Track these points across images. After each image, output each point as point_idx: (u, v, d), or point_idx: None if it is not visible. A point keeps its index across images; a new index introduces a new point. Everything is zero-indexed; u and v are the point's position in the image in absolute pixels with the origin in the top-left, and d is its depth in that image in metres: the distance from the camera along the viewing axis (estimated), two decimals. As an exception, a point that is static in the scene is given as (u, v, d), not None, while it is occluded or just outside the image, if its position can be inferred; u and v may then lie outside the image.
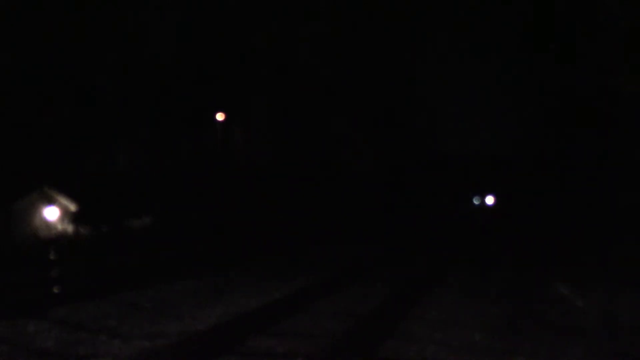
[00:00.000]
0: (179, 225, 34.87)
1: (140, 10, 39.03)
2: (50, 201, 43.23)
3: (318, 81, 44.99)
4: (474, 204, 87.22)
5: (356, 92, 47.94)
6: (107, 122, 38.74)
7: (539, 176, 39.40)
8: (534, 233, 35.58)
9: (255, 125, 44.19)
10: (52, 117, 36.76)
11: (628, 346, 8.53)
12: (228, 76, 40.60)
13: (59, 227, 41.58)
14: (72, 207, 42.35)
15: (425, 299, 12.41)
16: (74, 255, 25.66)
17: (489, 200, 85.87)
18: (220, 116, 40.28)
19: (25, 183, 39.25)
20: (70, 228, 40.56)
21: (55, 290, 13.69)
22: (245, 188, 39.59)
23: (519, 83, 41.61)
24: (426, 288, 14.10)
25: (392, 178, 50.98)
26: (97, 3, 36.79)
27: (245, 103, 42.86)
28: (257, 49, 42.30)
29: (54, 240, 35.40)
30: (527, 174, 43.96)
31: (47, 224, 42.60)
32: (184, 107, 40.38)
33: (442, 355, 7.91)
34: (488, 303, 12.27)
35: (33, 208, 43.10)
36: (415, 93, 55.98)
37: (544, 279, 16.07)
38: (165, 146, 41.56)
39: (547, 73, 32.59)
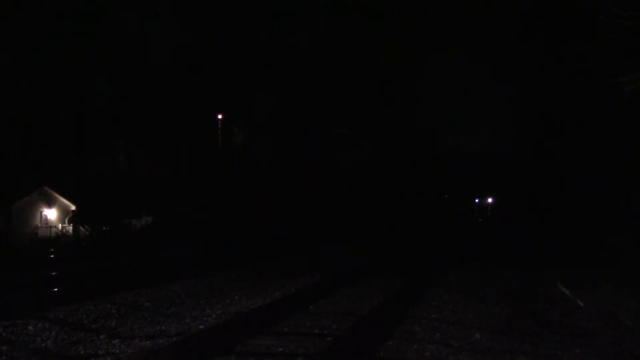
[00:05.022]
0: (179, 225, 34.86)
1: (139, 11, 39.05)
2: (50, 201, 43.28)
3: (319, 81, 44.98)
4: (474, 203, 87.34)
5: (356, 93, 47.92)
6: (107, 123, 38.74)
7: (538, 176, 39.38)
8: (534, 233, 35.57)
9: (255, 126, 44.20)
10: (53, 118, 36.76)
11: (628, 346, 8.53)
12: (228, 76, 40.60)
13: (59, 227, 41.62)
14: (72, 207, 42.38)
15: (425, 299, 12.40)
16: (74, 255, 25.65)
17: (489, 200, 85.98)
18: (220, 116, 40.32)
19: (25, 183, 39.25)
20: (70, 228, 40.59)
21: (55, 290, 13.67)
22: (245, 188, 39.57)
23: (519, 83, 41.65)
24: (426, 288, 14.08)
25: (392, 178, 50.94)
26: (97, 4, 36.81)
27: (246, 103, 42.87)
28: (258, 49, 42.32)
29: (54, 240, 35.42)
30: (527, 174, 43.93)
31: (47, 224, 42.64)
32: (184, 108, 40.39)
33: (443, 355, 7.90)
34: (488, 303, 12.26)
35: (33, 208, 43.15)
36: (415, 94, 56.01)
37: (545, 279, 16.06)
38: (165, 146, 41.56)
39: (547, 73, 32.60)
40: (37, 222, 43.04)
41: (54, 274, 17.39)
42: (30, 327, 9.47)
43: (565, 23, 28.63)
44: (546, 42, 32.00)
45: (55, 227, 41.65)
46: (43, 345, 8.59)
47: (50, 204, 43.26)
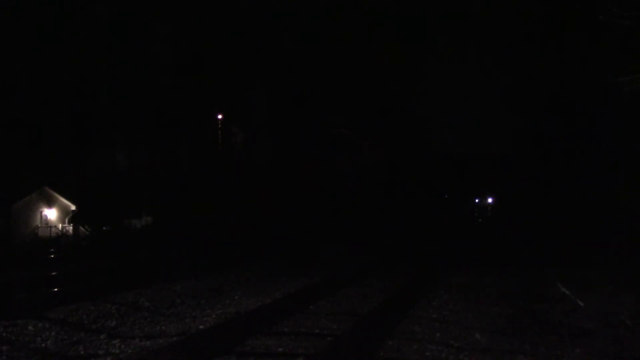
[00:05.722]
0: (179, 225, 34.85)
1: (139, 11, 39.04)
2: (50, 201, 43.30)
3: (319, 81, 44.98)
4: (474, 203, 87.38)
5: (357, 93, 47.93)
6: (107, 123, 38.74)
7: (538, 176, 39.37)
8: (534, 233, 35.57)
9: (255, 125, 44.20)
10: (53, 118, 36.76)
11: (628, 346, 8.53)
12: (228, 76, 40.60)
13: (59, 227, 41.63)
14: (72, 207, 42.40)
15: (425, 299, 12.40)
16: (74, 255, 25.65)
17: (489, 200, 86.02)
18: (220, 116, 40.35)
19: (25, 183, 39.25)
20: (70, 228, 40.60)
21: (55, 290, 13.67)
22: (245, 188, 39.57)
23: (519, 83, 41.67)
24: (426, 288, 14.08)
25: (392, 178, 50.95)
26: (97, 3, 36.83)
27: (245, 103, 42.87)
28: (258, 49, 42.32)
29: (54, 240, 35.42)
30: (526, 174, 43.92)
31: (47, 224, 42.66)
32: (184, 107, 40.39)
33: (443, 355, 7.90)
34: (488, 303, 12.26)
35: (33, 208, 43.16)
36: (415, 94, 56.04)
37: (545, 279, 16.06)
38: (165, 146, 41.56)
39: (547, 73, 32.61)
40: (37, 222, 43.06)
41: (54, 274, 17.38)
42: (30, 327, 9.47)
43: (565, 23, 28.62)
44: (546, 42, 32.01)
45: (55, 227, 41.66)
46: (43, 345, 8.59)
47: (50, 204, 43.28)
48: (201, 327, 9.61)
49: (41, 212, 43.46)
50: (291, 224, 37.15)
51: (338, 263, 20.88)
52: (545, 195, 37.10)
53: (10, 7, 32.69)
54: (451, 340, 8.73)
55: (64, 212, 43.25)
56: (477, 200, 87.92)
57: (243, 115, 43.08)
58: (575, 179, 30.28)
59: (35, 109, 35.05)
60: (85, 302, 11.57)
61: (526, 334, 9.27)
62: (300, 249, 27.08)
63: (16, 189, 36.94)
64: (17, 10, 32.97)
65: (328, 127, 46.99)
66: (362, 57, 47.71)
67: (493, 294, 13.60)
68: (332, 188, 43.54)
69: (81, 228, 38.70)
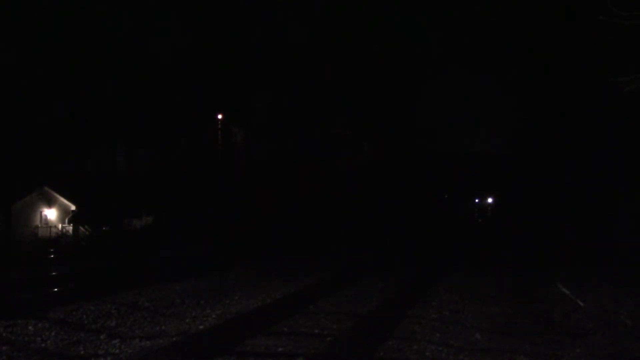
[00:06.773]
0: (179, 225, 34.85)
1: (140, 11, 39.05)
2: (50, 201, 43.28)
3: (319, 81, 44.99)
4: (474, 203, 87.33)
5: (357, 93, 47.94)
6: (107, 123, 38.73)
7: (538, 176, 39.36)
8: (534, 233, 35.58)
9: (255, 125, 44.20)
10: (53, 118, 36.75)
11: (628, 346, 8.53)
12: (228, 76, 40.61)
13: (59, 227, 41.62)
14: (72, 207, 42.37)
15: (425, 299, 12.40)
16: (74, 255, 25.65)
17: (489, 200, 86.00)
18: (220, 116, 40.35)
19: (26, 183, 39.21)
20: (70, 228, 40.57)
21: (55, 290, 13.67)
22: (245, 188, 39.57)
23: (518, 84, 41.67)
24: (426, 288, 14.09)
25: (392, 178, 50.96)
26: (97, 3, 36.83)
27: (245, 103, 42.87)
28: (258, 49, 42.34)
29: (54, 240, 35.41)
30: (526, 174, 43.90)
31: (47, 224, 42.65)
32: (184, 107, 40.39)
33: (443, 355, 7.90)
34: (488, 303, 12.26)
35: (33, 208, 43.14)
36: (415, 94, 56.05)
37: (545, 279, 16.06)
38: (165, 146, 41.56)
39: (547, 73, 32.61)
40: (37, 222, 43.03)
41: (54, 274, 17.40)
42: (30, 327, 9.47)
43: (565, 23, 28.62)
44: (546, 41, 32.00)
45: (55, 227, 41.64)
46: (43, 345, 8.59)
47: (50, 204, 43.25)
48: (201, 327, 9.61)
49: (41, 212, 43.44)
50: (291, 224, 37.15)
51: (338, 263, 20.88)
52: (546, 195, 37.10)
53: (10, 7, 32.67)
54: (451, 340, 8.73)
55: (64, 212, 43.22)
56: (477, 201, 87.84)
57: (243, 115, 43.06)
58: (575, 178, 30.28)
59: (35, 109, 35.02)
60: (85, 302, 11.57)
61: (526, 334, 9.27)
62: (300, 249, 27.08)
63: (16, 189, 36.89)
64: (17, 10, 32.95)
65: (328, 127, 46.98)
66: (362, 57, 47.71)
67: (493, 294, 13.61)
68: (332, 188, 43.51)
69: (81, 228, 38.68)
